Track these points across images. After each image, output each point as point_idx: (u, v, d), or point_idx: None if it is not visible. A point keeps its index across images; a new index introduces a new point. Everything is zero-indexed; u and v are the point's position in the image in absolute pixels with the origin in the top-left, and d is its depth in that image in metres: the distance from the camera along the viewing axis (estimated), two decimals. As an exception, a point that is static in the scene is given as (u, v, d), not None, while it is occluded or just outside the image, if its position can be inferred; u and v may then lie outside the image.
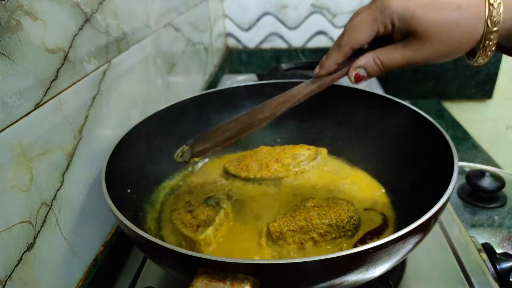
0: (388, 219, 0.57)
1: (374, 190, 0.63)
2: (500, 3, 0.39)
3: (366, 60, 0.45)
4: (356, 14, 0.45)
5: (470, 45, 0.41)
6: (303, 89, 0.52)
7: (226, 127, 0.55)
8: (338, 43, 0.46)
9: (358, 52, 0.45)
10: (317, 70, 0.50)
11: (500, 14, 0.39)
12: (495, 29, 0.39)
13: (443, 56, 0.42)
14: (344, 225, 0.52)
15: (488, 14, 0.39)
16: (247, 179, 0.66)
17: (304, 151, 0.69)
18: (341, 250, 0.48)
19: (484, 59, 0.43)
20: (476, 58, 0.43)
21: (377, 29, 0.43)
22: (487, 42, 0.40)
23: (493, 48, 0.41)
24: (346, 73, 0.47)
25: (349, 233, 0.53)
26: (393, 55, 0.44)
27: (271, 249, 0.52)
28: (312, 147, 0.70)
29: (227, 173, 0.68)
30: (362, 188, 0.64)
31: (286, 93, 0.54)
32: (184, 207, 0.59)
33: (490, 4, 0.39)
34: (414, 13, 0.41)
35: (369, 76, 0.46)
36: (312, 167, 0.67)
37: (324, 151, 0.70)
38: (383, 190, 0.63)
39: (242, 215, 0.59)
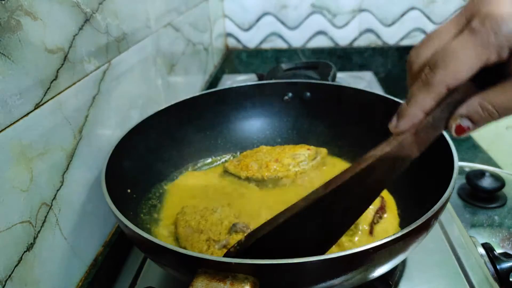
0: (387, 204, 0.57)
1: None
2: None
3: (472, 107, 0.32)
4: (435, 38, 0.32)
5: None
6: (381, 154, 0.37)
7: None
8: (427, 81, 0.31)
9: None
10: (394, 123, 0.35)
11: None
12: None
13: None
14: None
15: None
16: (246, 179, 0.66)
17: (304, 151, 0.69)
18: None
19: None
20: None
21: (487, 57, 0.29)
22: None
23: None
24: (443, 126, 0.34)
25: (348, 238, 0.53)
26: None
27: None
28: (312, 147, 0.70)
29: (227, 173, 0.68)
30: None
31: (356, 169, 0.37)
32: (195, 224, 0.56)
33: None
34: None
35: (476, 127, 0.33)
36: (312, 167, 0.67)
37: (324, 151, 0.70)
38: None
39: (243, 215, 0.59)
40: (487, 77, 0.30)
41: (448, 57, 0.30)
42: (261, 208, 0.60)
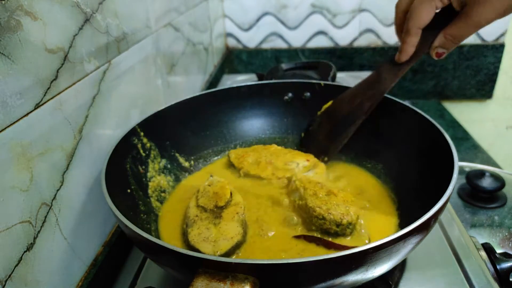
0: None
1: (373, 190, 0.63)
2: None
3: (440, 40, 0.51)
4: None
5: None
6: (390, 78, 0.56)
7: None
8: (407, 28, 0.51)
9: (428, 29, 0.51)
10: (398, 56, 0.54)
11: None
12: None
13: (506, 11, 0.45)
14: (321, 224, 0.53)
15: None
16: (243, 173, 0.68)
17: (301, 161, 0.67)
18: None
19: None
20: None
21: (435, 5, 0.48)
22: None
23: None
24: (426, 53, 0.53)
25: (332, 230, 0.53)
26: (461, 27, 0.48)
27: None
28: (313, 159, 0.68)
29: (229, 163, 0.71)
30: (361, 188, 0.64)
31: (373, 87, 0.58)
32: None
33: None
34: None
35: (448, 51, 0.52)
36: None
37: (322, 167, 0.67)
38: (382, 191, 0.63)
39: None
40: (447, 18, 0.50)
41: (414, 10, 0.50)
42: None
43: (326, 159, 0.65)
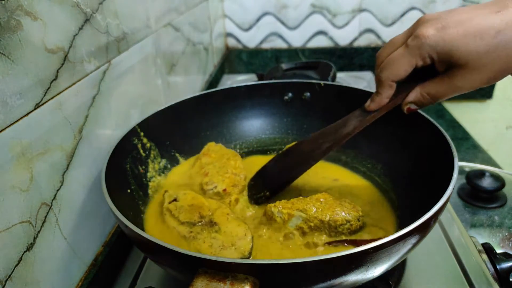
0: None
1: (372, 190, 0.63)
2: None
3: (415, 96, 0.48)
4: (391, 45, 0.46)
5: None
6: (356, 124, 0.53)
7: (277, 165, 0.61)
8: (378, 78, 0.48)
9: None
10: (368, 104, 0.51)
11: None
12: None
13: (492, 80, 0.42)
14: (337, 226, 0.52)
15: None
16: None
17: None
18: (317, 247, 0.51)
19: None
20: None
21: (415, 63, 0.44)
22: None
23: None
24: (399, 106, 0.50)
25: (343, 236, 0.53)
26: (440, 88, 0.45)
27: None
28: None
29: None
30: (361, 187, 0.64)
31: (336, 131, 0.54)
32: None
33: None
34: (453, 46, 0.41)
35: (421, 108, 0.49)
36: None
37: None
38: (382, 191, 0.63)
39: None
40: (428, 72, 0.45)
41: (390, 62, 0.46)
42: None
43: (268, 194, 0.61)
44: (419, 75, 0.46)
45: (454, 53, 0.41)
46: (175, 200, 0.57)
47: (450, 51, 0.41)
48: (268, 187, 0.61)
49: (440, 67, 0.44)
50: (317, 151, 0.55)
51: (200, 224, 0.53)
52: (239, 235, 0.50)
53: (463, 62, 0.41)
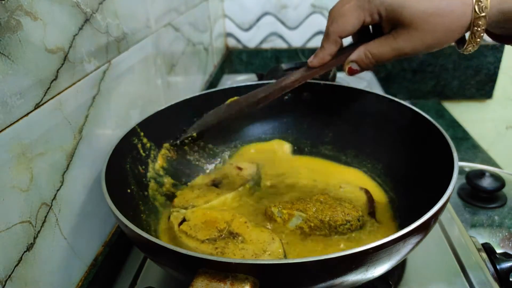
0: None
1: (373, 190, 0.63)
2: None
3: (358, 54, 0.46)
4: (344, 1, 0.46)
5: (459, 32, 0.41)
6: (297, 78, 0.52)
7: (220, 110, 0.62)
8: (326, 31, 0.47)
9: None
10: (311, 60, 0.50)
11: None
12: (482, 14, 0.39)
13: (433, 46, 0.42)
14: (337, 226, 0.52)
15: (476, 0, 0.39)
16: None
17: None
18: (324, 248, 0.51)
19: (473, 46, 0.43)
20: (465, 46, 0.43)
21: (363, 18, 0.44)
22: (475, 28, 0.40)
23: (482, 35, 0.41)
24: (341, 66, 0.48)
25: (344, 236, 0.53)
26: (383, 48, 0.44)
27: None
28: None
29: None
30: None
31: (280, 81, 0.54)
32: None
33: None
34: (403, 2, 0.41)
35: (362, 69, 0.47)
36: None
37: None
38: (382, 191, 0.63)
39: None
40: (374, 32, 0.46)
41: (340, 16, 0.45)
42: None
43: (194, 134, 0.65)
44: (364, 38, 0.46)
45: (402, 10, 0.41)
46: (184, 220, 0.56)
47: (400, 8, 0.41)
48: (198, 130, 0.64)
49: (386, 27, 0.44)
50: (251, 99, 0.57)
51: (221, 238, 0.52)
52: (267, 241, 0.50)
53: (408, 22, 0.41)
